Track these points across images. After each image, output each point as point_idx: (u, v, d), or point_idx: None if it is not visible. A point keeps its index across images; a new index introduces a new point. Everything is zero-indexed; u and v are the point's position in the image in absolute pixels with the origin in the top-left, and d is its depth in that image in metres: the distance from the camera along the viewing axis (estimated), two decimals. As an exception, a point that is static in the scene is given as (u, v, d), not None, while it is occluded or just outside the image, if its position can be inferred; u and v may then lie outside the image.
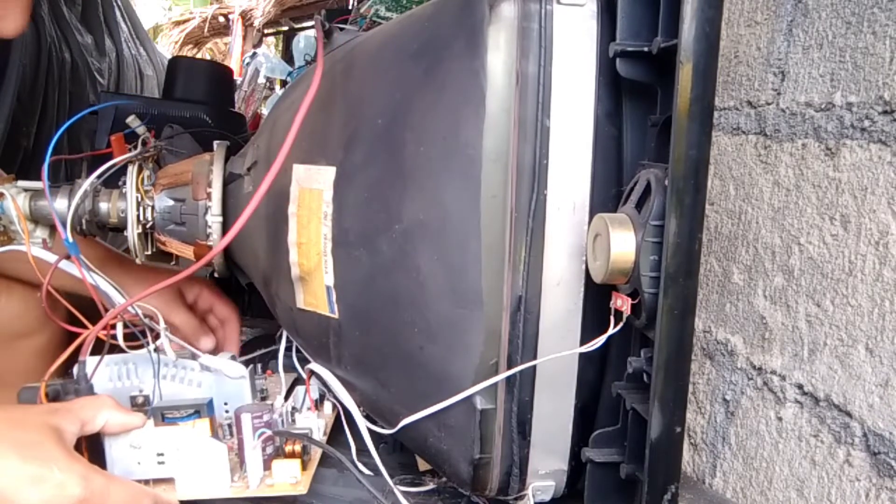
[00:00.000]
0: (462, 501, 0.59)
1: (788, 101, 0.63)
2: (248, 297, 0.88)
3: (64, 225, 0.62)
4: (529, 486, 0.55)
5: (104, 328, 0.58)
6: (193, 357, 0.63)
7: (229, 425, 0.61)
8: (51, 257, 0.63)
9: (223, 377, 0.62)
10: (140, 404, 0.61)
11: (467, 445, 0.53)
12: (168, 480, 0.55)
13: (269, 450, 0.57)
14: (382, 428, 0.58)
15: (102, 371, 0.61)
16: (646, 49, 0.49)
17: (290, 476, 0.56)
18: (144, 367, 0.63)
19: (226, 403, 0.64)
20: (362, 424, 0.59)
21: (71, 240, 0.61)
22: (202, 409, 0.60)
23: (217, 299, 0.80)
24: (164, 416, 0.58)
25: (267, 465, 0.57)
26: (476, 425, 0.52)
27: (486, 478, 0.54)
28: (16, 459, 0.45)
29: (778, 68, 0.64)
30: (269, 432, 0.57)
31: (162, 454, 0.54)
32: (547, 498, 0.56)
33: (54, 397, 0.56)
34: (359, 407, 0.63)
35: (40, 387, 0.55)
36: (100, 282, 0.62)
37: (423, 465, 0.62)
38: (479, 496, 0.57)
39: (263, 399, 0.68)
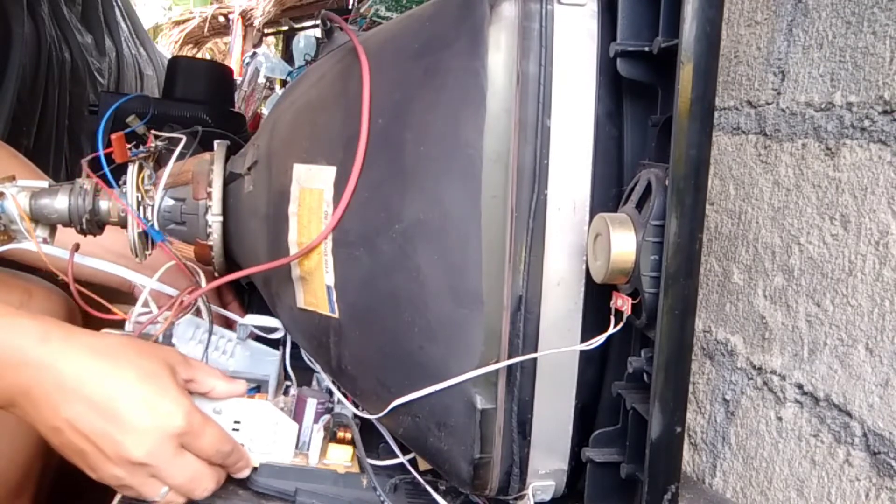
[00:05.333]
0: (458, 501, 0.59)
1: (788, 101, 0.63)
2: (248, 297, 0.88)
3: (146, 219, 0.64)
4: (529, 485, 0.55)
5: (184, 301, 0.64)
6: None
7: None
8: (61, 252, 0.64)
9: (257, 352, 0.67)
10: None
11: (467, 445, 0.53)
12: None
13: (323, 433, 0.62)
14: (371, 415, 0.59)
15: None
16: (646, 49, 0.49)
17: (343, 460, 0.61)
18: (182, 331, 0.66)
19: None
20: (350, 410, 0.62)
21: (157, 227, 0.64)
22: (263, 385, 0.66)
23: (234, 298, 0.86)
24: None
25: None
26: (476, 425, 0.52)
27: (486, 478, 0.54)
28: (137, 383, 0.51)
29: (778, 68, 0.64)
30: (329, 417, 0.62)
31: (238, 422, 0.59)
32: (547, 498, 0.56)
33: None
34: (357, 407, 0.63)
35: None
36: (121, 271, 0.68)
37: (423, 465, 0.62)
38: (478, 496, 0.57)
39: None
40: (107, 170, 0.62)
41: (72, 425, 0.50)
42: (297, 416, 0.62)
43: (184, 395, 0.53)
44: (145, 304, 0.66)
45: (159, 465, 0.51)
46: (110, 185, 0.63)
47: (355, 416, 0.63)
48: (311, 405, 0.62)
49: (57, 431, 0.51)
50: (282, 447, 0.59)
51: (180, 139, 0.65)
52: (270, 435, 0.59)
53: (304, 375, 0.71)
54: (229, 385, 0.59)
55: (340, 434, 0.62)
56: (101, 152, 0.61)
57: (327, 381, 0.67)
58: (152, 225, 0.63)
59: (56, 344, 0.51)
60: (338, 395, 0.65)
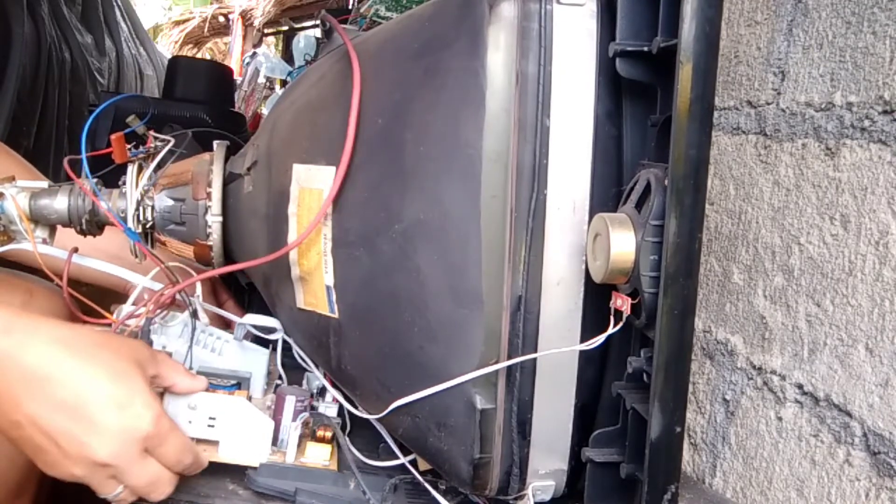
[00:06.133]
0: (458, 500, 0.59)
1: (788, 101, 0.63)
2: (248, 297, 0.88)
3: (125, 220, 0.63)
4: (529, 485, 0.55)
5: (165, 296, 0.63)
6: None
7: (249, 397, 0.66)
8: (60, 253, 0.64)
9: (247, 350, 0.67)
10: None
11: (467, 445, 0.53)
12: (212, 442, 0.59)
13: (302, 430, 0.62)
14: (371, 414, 0.59)
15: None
16: (646, 49, 0.49)
17: (321, 458, 0.61)
18: (172, 329, 0.66)
19: None
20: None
21: (135, 230, 0.63)
22: (243, 383, 0.65)
23: (230, 297, 0.85)
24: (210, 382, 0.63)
25: (299, 444, 0.61)
26: (476, 425, 0.52)
27: (486, 477, 0.54)
28: (107, 382, 0.50)
29: (778, 68, 0.64)
30: (308, 415, 0.62)
31: (214, 418, 0.58)
32: (547, 498, 0.56)
33: None
34: (356, 407, 0.63)
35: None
36: (119, 271, 0.68)
37: (423, 465, 0.62)
38: (478, 496, 0.57)
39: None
40: (87, 172, 0.61)
41: (33, 422, 0.48)
42: (277, 413, 0.62)
43: (154, 398, 0.52)
44: (137, 302, 0.65)
45: (122, 466, 0.50)
46: (100, 189, 0.63)
47: (353, 415, 0.63)
48: (290, 402, 0.62)
49: (16, 426, 0.48)
50: (258, 444, 0.59)
51: (180, 139, 0.65)
52: (246, 431, 0.59)
53: (299, 375, 0.71)
54: (191, 381, 0.58)
55: (320, 433, 0.62)
56: (84, 155, 0.61)
57: (320, 381, 0.67)
58: (132, 229, 0.63)
59: (19, 336, 0.49)
60: (335, 393, 0.65)
